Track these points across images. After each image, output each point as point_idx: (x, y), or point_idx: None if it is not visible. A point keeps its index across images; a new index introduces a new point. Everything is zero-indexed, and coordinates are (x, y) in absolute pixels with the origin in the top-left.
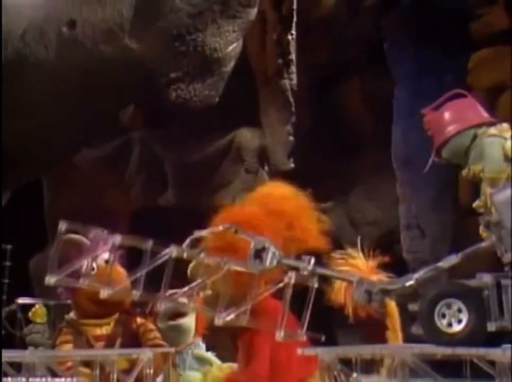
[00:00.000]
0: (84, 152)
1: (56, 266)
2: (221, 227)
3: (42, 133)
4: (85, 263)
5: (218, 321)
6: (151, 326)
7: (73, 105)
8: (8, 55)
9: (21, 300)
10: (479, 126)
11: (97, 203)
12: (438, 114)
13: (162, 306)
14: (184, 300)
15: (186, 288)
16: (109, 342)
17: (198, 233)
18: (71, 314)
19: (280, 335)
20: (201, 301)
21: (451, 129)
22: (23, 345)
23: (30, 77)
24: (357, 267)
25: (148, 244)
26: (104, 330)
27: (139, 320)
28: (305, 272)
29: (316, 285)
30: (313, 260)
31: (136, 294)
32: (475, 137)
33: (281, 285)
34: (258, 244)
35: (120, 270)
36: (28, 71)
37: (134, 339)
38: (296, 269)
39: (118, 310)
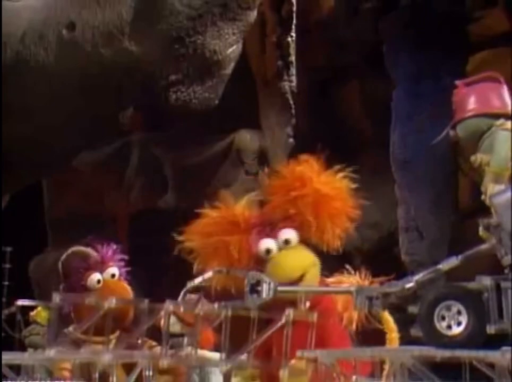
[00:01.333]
0: (84, 154)
1: (54, 338)
2: (211, 273)
3: (42, 136)
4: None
5: (222, 369)
6: (153, 343)
7: (73, 108)
8: (7, 58)
9: (21, 302)
10: (501, 115)
11: (96, 205)
12: (467, 90)
13: (164, 363)
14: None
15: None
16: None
17: (190, 284)
18: (71, 329)
19: (284, 372)
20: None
21: (475, 108)
22: (22, 348)
23: (29, 80)
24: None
25: (144, 304)
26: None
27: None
28: (303, 307)
29: (315, 319)
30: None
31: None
32: (491, 125)
33: (279, 324)
34: (252, 279)
35: (126, 287)
36: (27, 74)
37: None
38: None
39: (120, 326)
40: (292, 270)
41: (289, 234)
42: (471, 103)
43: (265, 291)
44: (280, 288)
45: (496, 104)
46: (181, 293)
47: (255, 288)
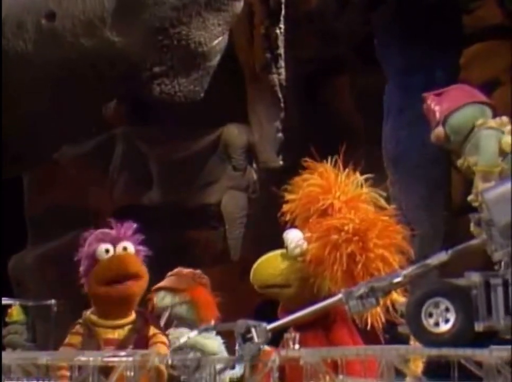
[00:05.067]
0: (66, 149)
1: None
2: (196, 332)
3: (22, 127)
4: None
5: None
6: (162, 339)
7: (53, 100)
8: None
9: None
10: (483, 103)
11: (78, 202)
12: (440, 98)
13: None
14: None
15: None
16: (120, 348)
17: (176, 344)
18: (89, 313)
19: None
20: None
21: (455, 102)
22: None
23: (8, 71)
24: None
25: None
26: (116, 335)
27: (152, 330)
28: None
29: (304, 362)
30: (297, 337)
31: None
32: (474, 127)
33: (266, 370)
34: (241, 329)
35: (135, 260)
36: (6, 64)
37: (144, 348)
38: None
39: (130, 299)
40: None
41: None
42: (453, 101)
43: (256, 335)
44: (269, 326)
45: (479, 96)
46: (171, 349)
47: (245, 336)
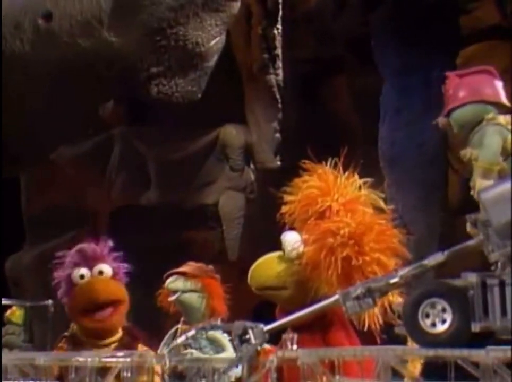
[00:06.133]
0: (63, 149)
1: None
2: (193, 331)
3: (19, 128)
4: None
5: None
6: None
7: (50, 100)
8: None
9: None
10: (494, 104)
11: (76, 202)
12: (460, 81)
13: None
14: None
15: None
16: None
17: (174, 343)
18: (76, 328)
19: None
20: None
21: (468, 96)
22: None
23: (6, 71)
24: None
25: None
26: (103, 352)
27: (141, 347)
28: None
29: (301, 363)
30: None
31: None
32: (484, 113)
33: (264, 370)
34: (238, 330)
35: (107, 286)
36: (4, 64)
37: None
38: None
39: (110, 328)
40: None
41: None
42: (464, 92)
43: (253, 336)
44: (266, 328)
45: (489, 93)
46: (168, 349)
47: (242, 338)
